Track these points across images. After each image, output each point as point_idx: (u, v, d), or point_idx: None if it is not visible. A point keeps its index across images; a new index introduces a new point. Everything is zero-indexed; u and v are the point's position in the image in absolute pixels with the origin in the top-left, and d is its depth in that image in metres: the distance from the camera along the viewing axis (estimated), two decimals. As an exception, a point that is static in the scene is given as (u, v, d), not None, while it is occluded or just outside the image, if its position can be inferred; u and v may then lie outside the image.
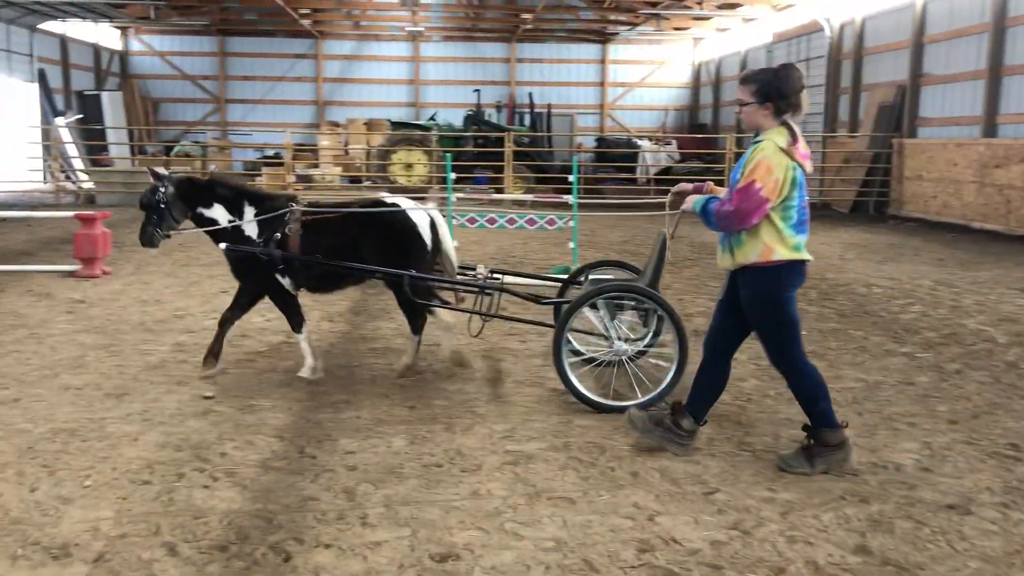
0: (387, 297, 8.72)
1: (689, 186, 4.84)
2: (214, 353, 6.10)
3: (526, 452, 4.68)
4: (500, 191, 20.35)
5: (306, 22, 29.69)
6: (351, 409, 5.38)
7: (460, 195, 11.06)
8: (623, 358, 5.50)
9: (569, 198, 10.49)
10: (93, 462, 4.44)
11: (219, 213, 6.02)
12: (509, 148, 20.90)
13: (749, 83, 4.36)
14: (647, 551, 3.60)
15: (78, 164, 25.63)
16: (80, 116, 28.13)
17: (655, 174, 24.75)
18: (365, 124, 30.69)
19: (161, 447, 4.67)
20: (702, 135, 27.98)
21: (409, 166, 23.05)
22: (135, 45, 33.18)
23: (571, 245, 10.39)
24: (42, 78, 26.23)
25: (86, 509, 3.88)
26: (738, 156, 21.56)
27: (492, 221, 10.23)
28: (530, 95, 26.09)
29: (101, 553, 3.48)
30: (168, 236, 6.13)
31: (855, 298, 9.25)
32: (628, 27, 30.15)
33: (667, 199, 4.90)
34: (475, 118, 24.30)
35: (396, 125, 24.69)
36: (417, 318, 6.17)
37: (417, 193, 22.15)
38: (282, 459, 4.54)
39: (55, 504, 3.94)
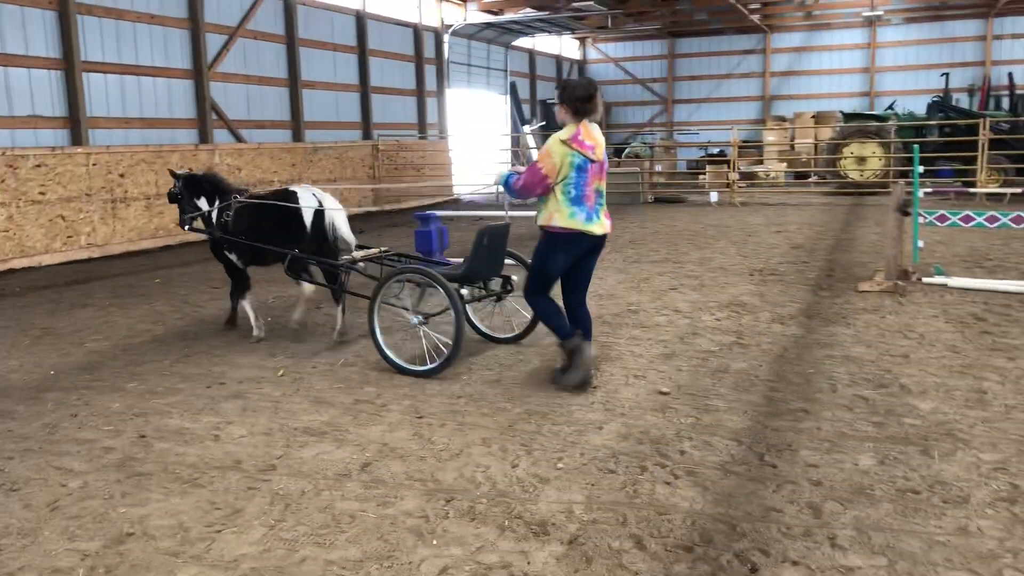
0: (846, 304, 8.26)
1: (522, 168, 5.90)
2: (230, 321, 7.87)
3: (1025, 489, 4.03)
4: (970, 185, 18.17)
5: (755, 17, 29.33)
6: (810, 419, 5.10)
7: (925, 191, 9.98)
8: (420, 328, 6.38)
9: (1069, 192, 8.94)
10: (563, 446, 4.74)
11: (203, 203, 7.61)
12: (984, 136, 18.53)
13: (557, 88, 5.71)
14: None
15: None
16: (543, 123, 30.85)
17: None
18: (813, 117, 29.48)
19: (623, 438, 4.84)
20: None
21: (862, 160, 21.62)
22: (592, 54, 35.54)
23: (1070, 248, 8.85)
24: (513, 90, 29.24)
25: (560, 491, 4.14)
26: None
27: (967, 219, 9.11)
28: (1010, 75, 22.88)
29: (575, 536, 3.68)
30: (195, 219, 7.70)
31: None
32: None
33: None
34: (942, 104, 21.98)
35: (849, 116, 23.25)
36: (337, 291, 7.34)
37: (866, 188, 20.73)
38: (741, 464, 4.44)
39: (533, 482, 4.26)
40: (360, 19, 21.40)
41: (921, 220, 9.37)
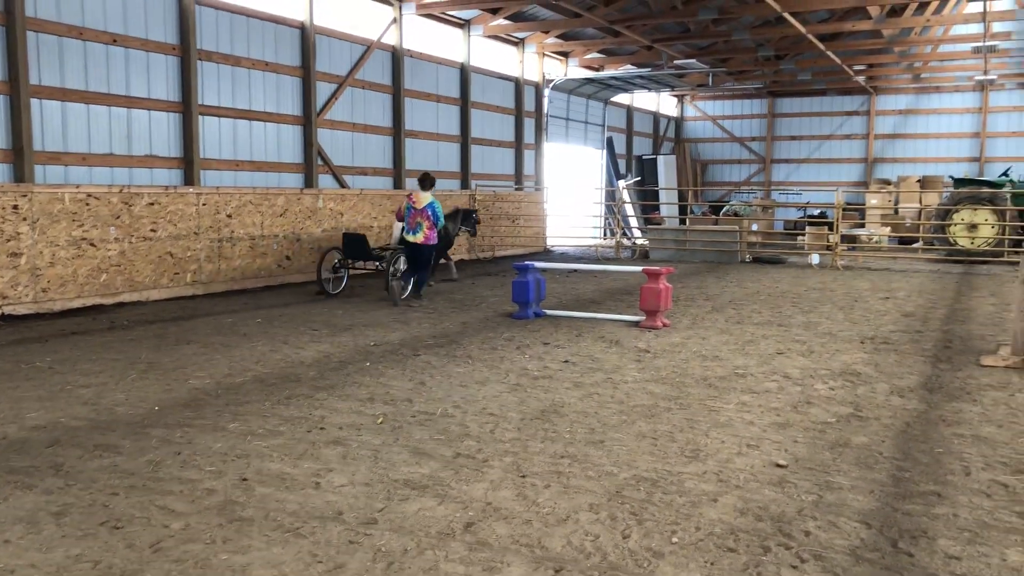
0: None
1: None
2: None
3: None
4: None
5: (860, 79, 28.76)
6: (945, 504, 4.71)
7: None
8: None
9: None
10: (677, 518, 4.47)
11: None
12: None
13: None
14: None
15: (634, 222, 27.95)
16: (638, 179, 30.74)
17: None
18: (918, 181, 28.60)
19: (741, 513, 4.55)
20: None
21: (973, 227, 20.75)
22: (689, 111, 35.41)
23: None
24: (609, 145, 29.24)
25: (676, 568, 3.88)
26: None
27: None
28: None
29: (697, 620, 3.41)
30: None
31: None
32: None
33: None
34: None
35: (960, 182, 22.44)
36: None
37: (978, 256, 19.85)
38: (873, 550, 4.10)
39: (647, 556, 4.01)
40: (464, 72, 21.77)
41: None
